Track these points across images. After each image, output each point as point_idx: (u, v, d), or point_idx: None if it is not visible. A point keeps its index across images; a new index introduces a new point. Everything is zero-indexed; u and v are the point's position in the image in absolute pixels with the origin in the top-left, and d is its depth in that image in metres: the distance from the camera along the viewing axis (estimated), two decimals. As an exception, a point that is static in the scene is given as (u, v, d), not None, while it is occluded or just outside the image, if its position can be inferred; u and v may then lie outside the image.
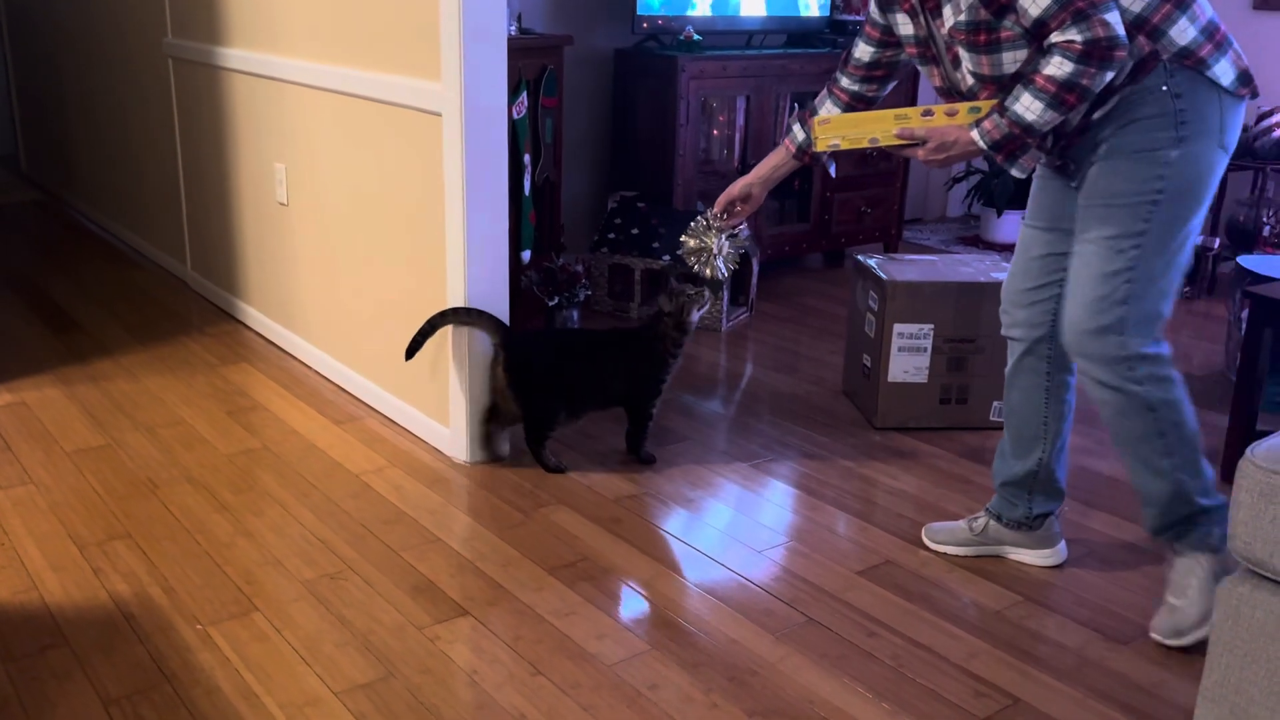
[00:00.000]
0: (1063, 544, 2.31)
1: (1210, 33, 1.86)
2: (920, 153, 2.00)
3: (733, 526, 2.44)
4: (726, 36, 4.39)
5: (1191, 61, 1.84)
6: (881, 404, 2.97)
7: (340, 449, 2.78)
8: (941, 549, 2.35)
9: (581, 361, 2.65)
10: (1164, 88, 1.85)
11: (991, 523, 2.32)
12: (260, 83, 3.32)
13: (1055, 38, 1.80)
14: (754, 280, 3.98)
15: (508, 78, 2.56)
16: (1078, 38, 1.77)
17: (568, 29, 4.10)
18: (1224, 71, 1.86)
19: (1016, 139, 1.89)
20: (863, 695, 1.86)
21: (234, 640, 1.97)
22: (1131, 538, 2.43)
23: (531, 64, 3.54)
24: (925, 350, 2.92)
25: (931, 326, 2.90)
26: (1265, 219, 4.45)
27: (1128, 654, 2.00)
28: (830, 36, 4.56)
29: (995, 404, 2.97)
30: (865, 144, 2.04)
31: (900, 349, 2.92)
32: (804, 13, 4.50)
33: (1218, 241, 4.37)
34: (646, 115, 4.16)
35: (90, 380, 3.20)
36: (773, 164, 2.30)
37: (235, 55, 3.42)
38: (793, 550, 2.34)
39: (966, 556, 2.33)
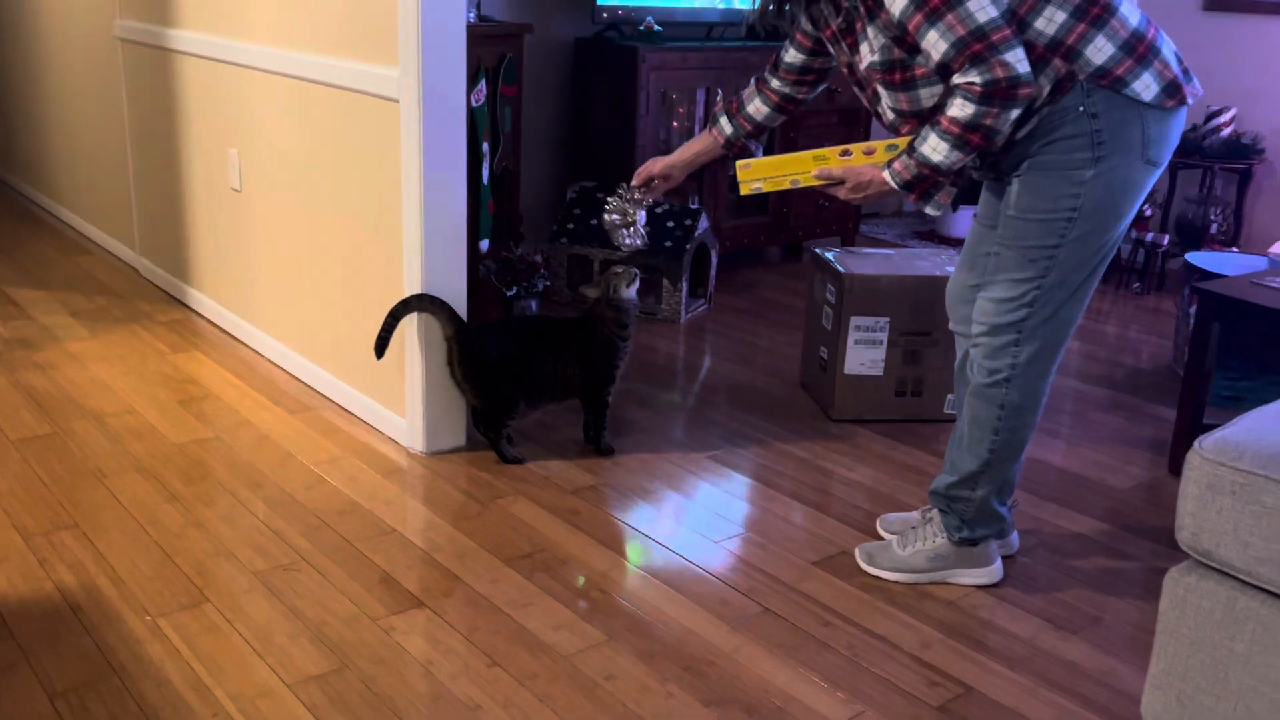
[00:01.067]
0: (1014, 535, 2.34)
1: (1131, 47, 1.87)
2: (840, 192, 2.04)
3: (690, 517, 2.45)
4: (687, 28, 4.39)
5: (1108, 80, 1.86)
6: (838, 396, 2.99)
7: (294, 439, 2.75)
8: (893, 536, 2.36)
9: (535, 350, 2.64)
10: (1081, 108, 1.88)
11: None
12: (213, 66, 3.27)
13: (957, 79, 1.83)
14: (712, 272, 3.98)
15: (466, 65, 2.54)
16: (977, 80, 1.80)
17: (527, 17, 4.08)
18: (1145, 87, 1.87)
19: (926, 179, 1.93)
20: (818, 684, 1.87)
21: (184, 632, 1.94)
22: (1083, 529, 2.47)
23: (490, 52, 3.51)
24: (881, 343, 2.94)
25: (888, 320, 2.92)
26: (1213, 216, 4.53)
27: (1078, 643, 2.03)
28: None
29: (949, 397, 3.00)
30: (787, 185, 2.08)
31: (856, 342, 2.94)
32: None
33: (1167, 238, 4.45)
34: (606, 105, 4.14)
35: (36, 368, 3.14)
36: (696, 150, 2.34)
37: (187, 38, 3.36)
38: (749, 541, 2.35)
39: None
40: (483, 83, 3.44)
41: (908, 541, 2.21)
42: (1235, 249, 4.32)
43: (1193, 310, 2.81)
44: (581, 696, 1.81)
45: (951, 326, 2.28)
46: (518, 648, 1.94)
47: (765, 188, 2.09)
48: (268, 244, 3.19)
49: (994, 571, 2.20)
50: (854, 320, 2.92)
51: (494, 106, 3.57)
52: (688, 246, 3.75)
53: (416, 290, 2.57)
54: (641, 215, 2.45)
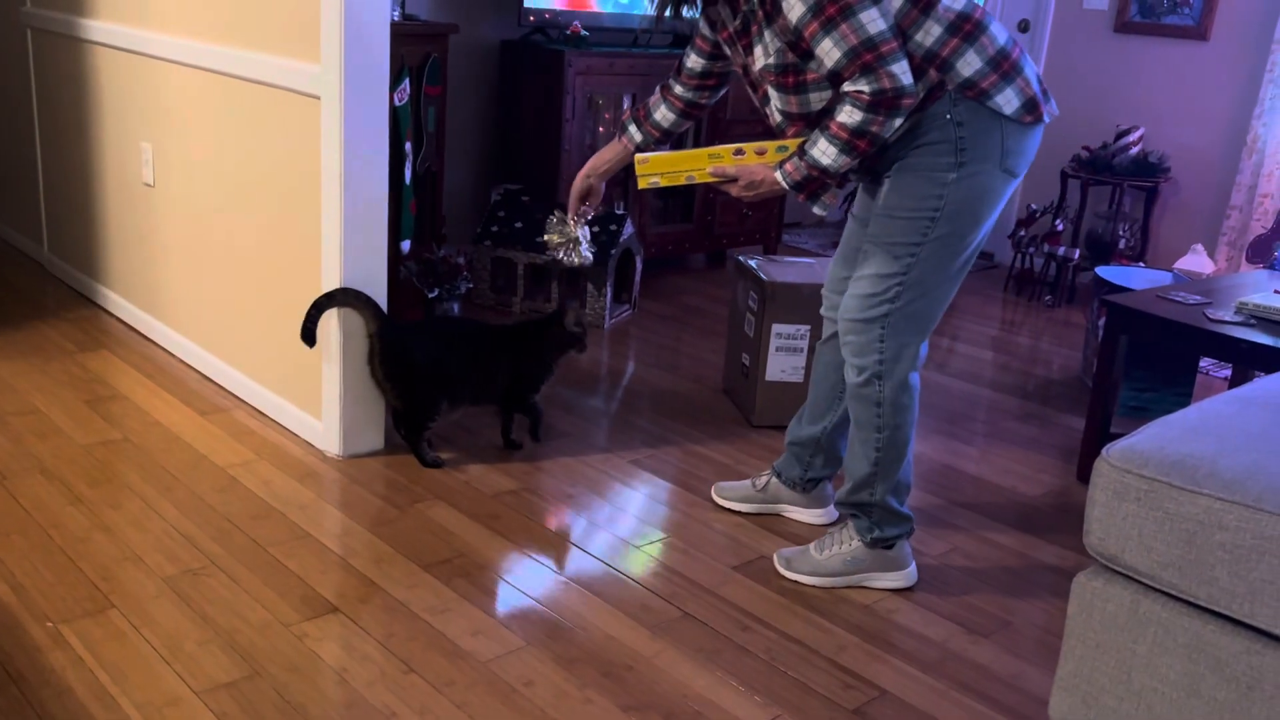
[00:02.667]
0: (832, 507, 2.50)
1: (997, 64, 1.98)
2: (733, 189, 2.12)
3: (611, 522, 2.44)
4: (614, 34, 4.39)
5: (973, 93, 1.98)
6: (759, 402, 3.01)
7: (206, 441, 2.68)
8: (727, 504, 2.52)
9: (463, 353, 2.62)
10: (948, 115, 1.99)
11: (773, 480, 2.49)
12: (127, 57, 3.18)
13: (846, 87, 1.93)
14: (637, 278, 3.99)
15: (390, 64, 2.51)
16: (866, 89, 1.90)
17: (453, 18, 4.05)
18: (1006, 101, 1.98)
19: (815, 180, 2.01)
20: (735, 688, 1.88)
21: (88, 639, 1.87)
22: (995, 535, 2.52)
23: (415, 51, 3.47)
24: (802, 350, 2.97)
25: (809, 327, 2.96)
26: (1121, 232, 4.67)
27: (989, 646, 2.08)
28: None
29: (868, 404, 3.04)
30: (683, 181, 2.15)
31: (778, 349, 2.97)
32: (691, 14, 4.53)
33: (1078, 253, 4.58)
34: (532, 109, 4.13)
35: (-67, 365, 3.01)
36: (608, 158, 2.39)
37: (100, 27, 3.26)
38: (670, 546, 2.35)
39: (750, 514, 2.50)
40: (406, 82, 3.40)
41: (825, 545, 2.26)
42: (1142, 264, 4.46)
43: (1101, 323, 2.89)
44: (499, 703, 1.79)
45: (823, 311, 2.39)
46: (434, 654, 1.91)
47: (663, 182, 2.15)
48: (181, 241, 3.11)
49: (909, 575, 2.25)
50: (775, 328, 2.95)
51: (417, 106, 3.53)
52: (613, 252, 3.75)
53: (336, 291, 2.53)
54: (584, 231, 2.48)
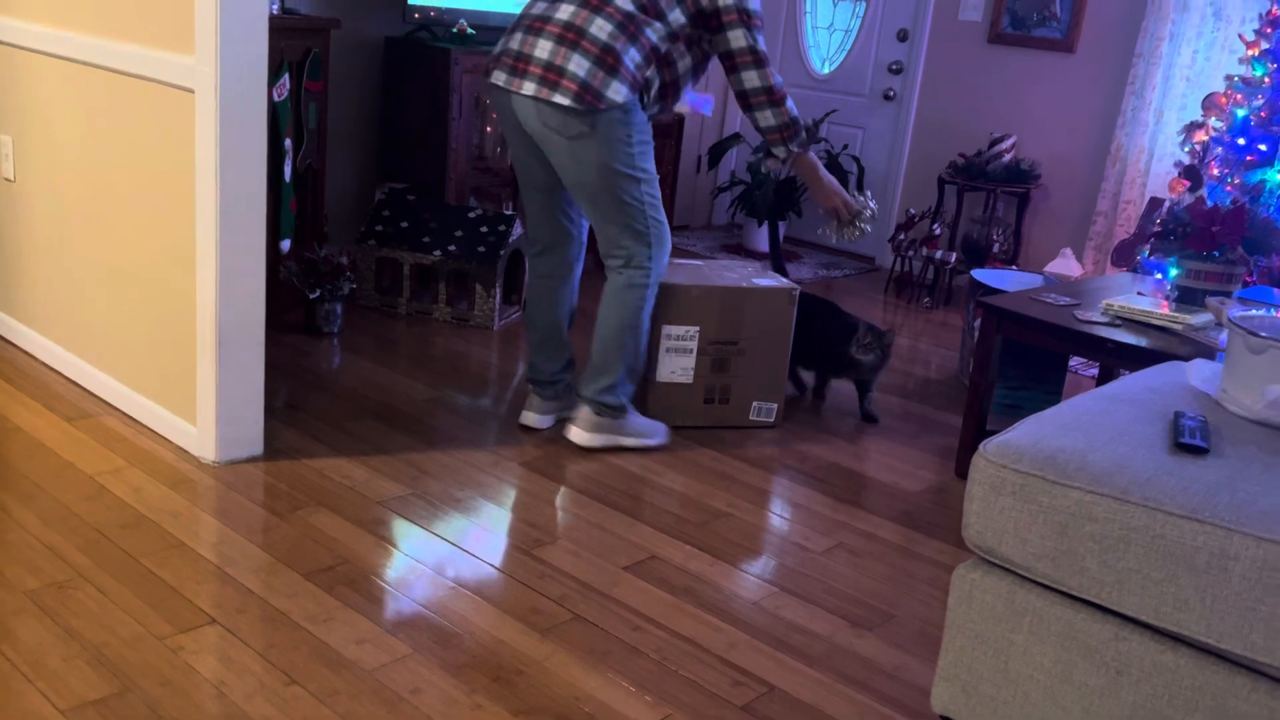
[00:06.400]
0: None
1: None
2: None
3: (501, 525, 2.42)
4: (501, 32, 4.35)
5: None
6: (651, 403, 3.02)
7: (72, 448, 2.56)
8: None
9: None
10: None
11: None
12: (-16, 45, 3.01)
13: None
14: (526, 279, 3.96)
15: (269, 58, 2.43)
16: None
17: (335, 12, 3.95)
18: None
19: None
20: (627, 689, 1.88)
21: (-60, 660, 1.77)
22: (878, 530, 2.58)
23: (295, 45, 3.38)
24: (691, 351, 2.99)
25: (697, 329, 2.98)
26: (995, 236, 4.84)
27: (872, 639, 2.12)
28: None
29: (755, 404, 3.08)
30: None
31: (668, 350, 2.98)
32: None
33: (954, 256, 4.72)
34: (418, 107, 4.07)
35: None
36: None
37: (-46, 12, 3.08)
38: (561, 548, 2.34)
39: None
40: (286, 77, 3.31)
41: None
42: (1015, 267, 4.63)
43: (977, 324, 2.99)
44: (385, 712, 1.75)
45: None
46: (317, 664, 1.86)
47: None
48: (45, 239, 2.96)
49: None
50: (666, 329, 2.96)
51: (298, 102, 3.44)
52: (501, 252, 3.72)
53: (210, 292, 2.44)
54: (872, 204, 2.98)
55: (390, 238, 3.78)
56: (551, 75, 2.54)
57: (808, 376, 3.45)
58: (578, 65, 2.52)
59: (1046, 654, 1.54)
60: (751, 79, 2.66)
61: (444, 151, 3.98)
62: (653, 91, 2.67)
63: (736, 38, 2.63)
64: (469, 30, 4.05)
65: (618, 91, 2.54)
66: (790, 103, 2.72)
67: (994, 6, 4.90)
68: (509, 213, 3.88)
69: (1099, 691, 1.50)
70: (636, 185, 2.65)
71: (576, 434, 2.82)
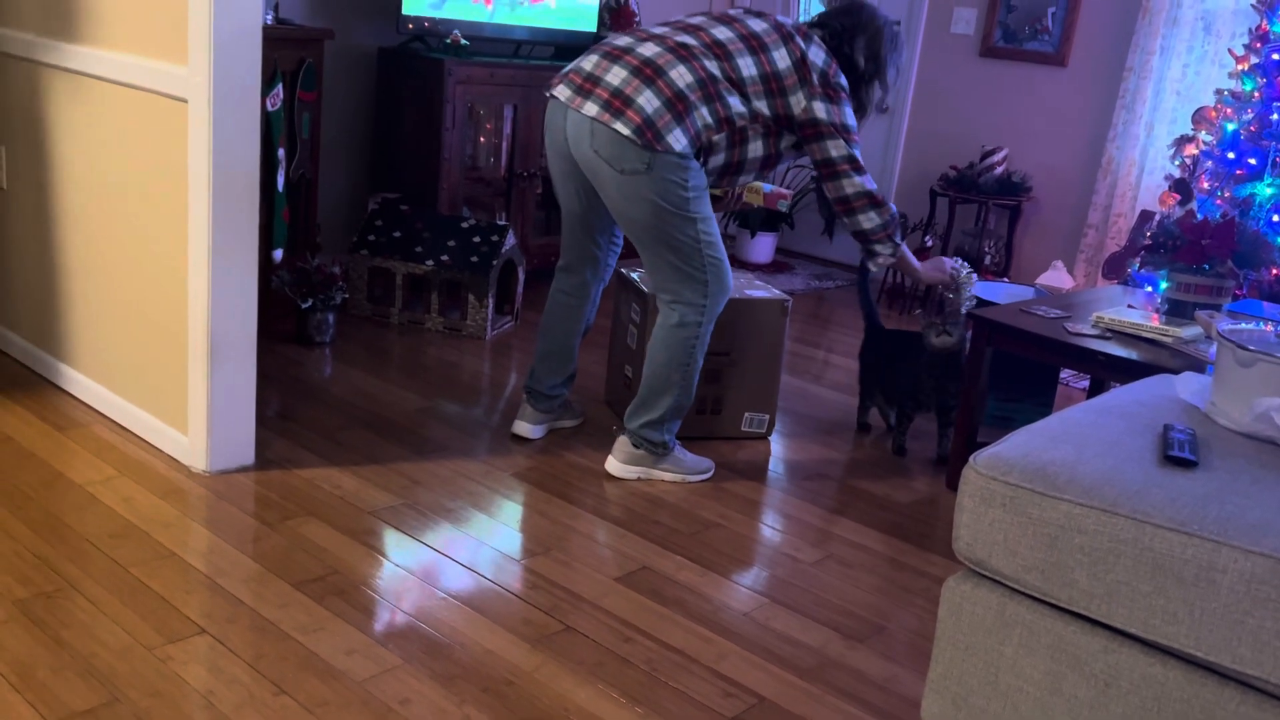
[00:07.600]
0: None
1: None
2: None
3: (492, 536, 2.41)
4: (495, 44, 4.36)
5: None
6: (640, 414, 3.02)
7: (62, 458, 2.55)
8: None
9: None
10: None
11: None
12: (-23, 53, 3.01)
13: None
14: (519, 289, 3.96)
15: (262, 68, 2.44)
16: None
17: (329, 23, 3.96)
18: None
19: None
20: (617, 700, 1.88)
21: (-73, 670, 1.76)
22: (869, 542, 2.58)
23: (289, 55, 3.39)
24: (683, 362, 2.99)
25: (689, 339, 2.98)
26: (987, 248, 4.86)
27: (863, 651, 2.12)
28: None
29: (747, 415, 3.09)
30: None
31: (659, 360, 2.98)
32: (573, 26, 4.54)
33: (947, 268, 4.73)
34: (411, 117, 4.07)
35: None
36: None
37: (-53, 21, 3.08)
38: (552, 559, 2.34)
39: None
40: (279, 87, 3.31)
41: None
42: (1006, 279, 4.64)
43: (968, 336, 2.99)
44: (375, 723, 1.75)
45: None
46: (307, 674, 1.86)
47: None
48: (37, 248, 2.96)
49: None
50: (656, 339, 2.96)
51: (291, 112, 3.44)
52: (494, 263, 3.72)
53: (203, 302, 2.44)
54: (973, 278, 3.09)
55: (383, 247, 3.78)
56: (617, 103, 2.45)
57: (876, 417, 3.33)
58: (647, 101, 2.44)
59: (1036, 666, 1.55)
60: (855, 184, 2.63)
61: (437, 162, 3.98)
62: (714, 160, 2.57)
63: (838, 147, 2.60)
64: (463, 41, 4.06)
65: (678, 140, 2.45)
66: (891, 201, 2.79)
67: (986, 20, 4.93)
68: (502, 223, 3.88)
69: (1088, 703, 1.50)
70: (692, 225, 2.56)
71: (611, 463, 2.77)
